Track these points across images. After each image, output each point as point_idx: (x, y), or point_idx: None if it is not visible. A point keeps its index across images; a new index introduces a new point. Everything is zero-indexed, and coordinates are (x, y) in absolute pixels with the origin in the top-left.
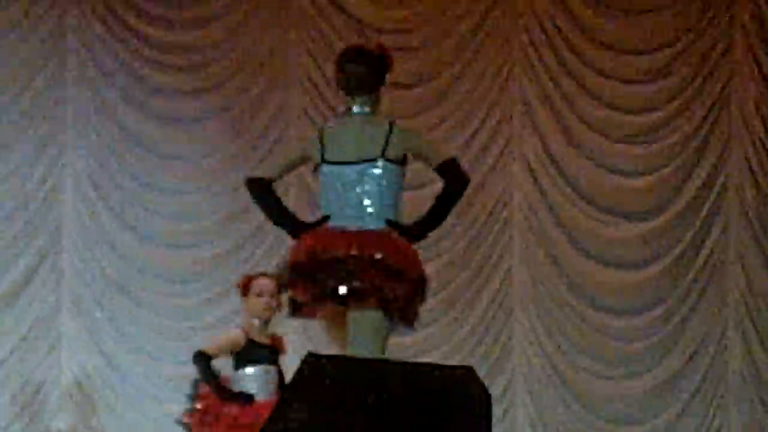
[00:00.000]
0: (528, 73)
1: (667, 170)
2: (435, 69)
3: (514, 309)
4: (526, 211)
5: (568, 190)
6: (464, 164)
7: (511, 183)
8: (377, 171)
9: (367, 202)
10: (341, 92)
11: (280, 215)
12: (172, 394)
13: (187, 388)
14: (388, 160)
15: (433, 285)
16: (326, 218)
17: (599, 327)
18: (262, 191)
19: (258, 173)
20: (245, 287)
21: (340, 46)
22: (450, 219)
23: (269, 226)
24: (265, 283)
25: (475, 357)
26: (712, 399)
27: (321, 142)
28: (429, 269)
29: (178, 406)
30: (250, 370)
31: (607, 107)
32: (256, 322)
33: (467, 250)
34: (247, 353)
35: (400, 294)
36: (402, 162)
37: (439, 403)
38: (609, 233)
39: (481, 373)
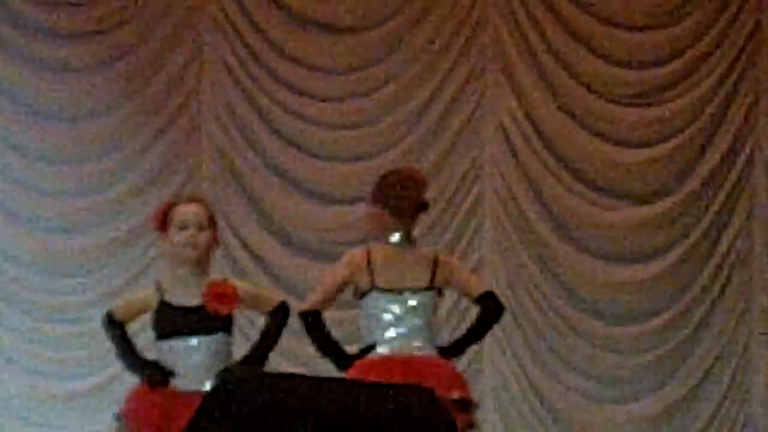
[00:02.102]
0: (504, 14)
1: (678, 139)
2: (387, 8)
3: None
4: (501, 189)
5: (554, 163)
6: (424, 130)
7: (482, 155)
8: (426, 301)
9: (416, 330)
10: (388, 215)
11: (327, 348)
12: (50, 419)
13: (68, 410)
14: (433, 289)
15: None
16: (372, 347)
17: (592, 336)
18: (315, 325)
19: (306, 305)
20: (162, 219)
21: None
22: None
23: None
24: (190, 211)
25: None
26: (732, 427)
27: (369, 266)
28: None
29: None
30: (168, 344)
31: (603, 59)
32: (178, 270)
33: (425, 238)
34: (160, 320)
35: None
36: (441, 292)
37: None
38: (605, 218)
39: None
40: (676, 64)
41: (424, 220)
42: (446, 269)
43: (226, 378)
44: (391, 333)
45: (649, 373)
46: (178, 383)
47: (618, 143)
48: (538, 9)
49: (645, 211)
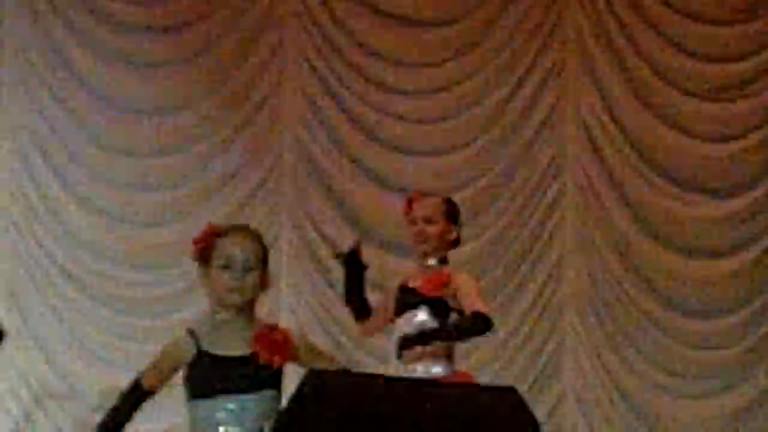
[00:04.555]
0: (585, 9)
1: (760, 134)
2: (468, 3)
3: (564, 308)
4: (582, 185)
5: (636, 158)
6: (505, 125)
7: (563, 150)
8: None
9: None
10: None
11: None
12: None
13: (151, 404)
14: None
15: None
16: None
17: (673, 331)
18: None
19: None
20: (204, 250)
21: None
22: (485, 197)
23: (262, 193)
24: (237, 247)
25: (514, 369)
26: None
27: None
28: (459, 258)
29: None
30: (204, 405)
31: (684, 53)
32: (222, 313)
33: (506, 233)
34: (194, 374)
35: None
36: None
37: None
38: (687, 213)
39: (523, 389)
40: (759, 59)
41: (505, 216)
42: None
43: (311, 378)
44: None
45: (731, 368)
46: None
47: (699, 138)
48: (619, 4)
49: (726, 205)
